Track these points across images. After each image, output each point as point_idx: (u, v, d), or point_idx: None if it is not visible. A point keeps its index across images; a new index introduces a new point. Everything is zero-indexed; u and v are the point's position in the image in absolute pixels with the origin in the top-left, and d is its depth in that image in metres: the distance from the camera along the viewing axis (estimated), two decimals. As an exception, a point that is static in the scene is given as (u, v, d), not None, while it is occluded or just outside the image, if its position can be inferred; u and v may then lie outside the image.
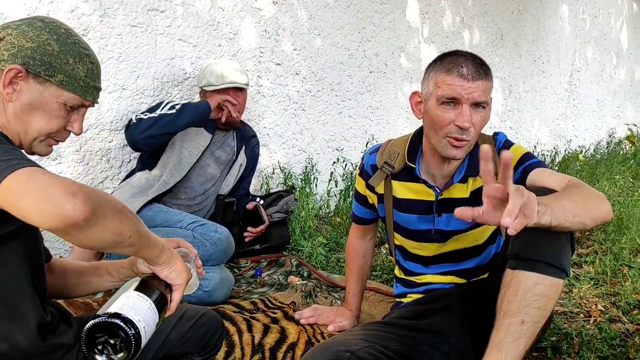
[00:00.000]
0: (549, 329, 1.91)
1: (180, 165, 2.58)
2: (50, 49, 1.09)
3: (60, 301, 1.91)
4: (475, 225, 1.65)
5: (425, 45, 4.59)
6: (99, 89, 1.20)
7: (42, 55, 1.08)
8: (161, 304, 1.03)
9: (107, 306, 0.95)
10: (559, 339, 1.95)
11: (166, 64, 2.89)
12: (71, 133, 1.19)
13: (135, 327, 0.91)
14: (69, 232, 0.86)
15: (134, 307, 0.94)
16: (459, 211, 1.16)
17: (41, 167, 0.89)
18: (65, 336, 1.18)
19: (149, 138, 2.44)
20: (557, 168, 5.56)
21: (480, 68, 1.49)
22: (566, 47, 6.57)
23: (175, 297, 1.10)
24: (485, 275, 1.66)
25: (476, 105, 1.49)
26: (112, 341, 0.92)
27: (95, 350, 0.92)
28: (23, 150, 1.12)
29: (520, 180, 1.50)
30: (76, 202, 0.83)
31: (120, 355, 0.92)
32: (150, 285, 1.05)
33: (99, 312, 0.93)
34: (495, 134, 1.67)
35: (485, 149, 1.10)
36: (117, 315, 0.91)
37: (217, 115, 2.63)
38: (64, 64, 1.10)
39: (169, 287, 1.09)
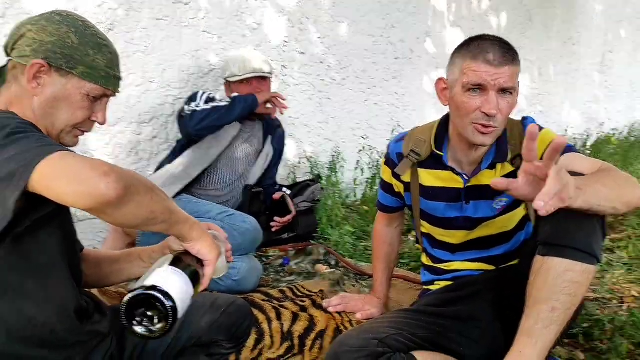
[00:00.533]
0: (580, 316, 1.88)
1: (209, 154, 2.61)
2: (70, 42, 1.11)
3: (94, 291, 1.97)
4: (504, 211, 1.63)
5: (451, 30, 4.52)
6: (119, 78, 1.22)
7: (62, 49, 1.11)
8: (194, 279, 1.05)
9: (143, 280, 0.98)
10: (590, 326, 1.92)
11: (191, 56, 2.91)
12: (96, 123, 1.22)
13: (172, 299, 0.93)
14: (103, 210, 0.89)
15: (170, 280, 0.97)
16: (494, 181, 1.18)
17: (72, 151, 0.92)
18: (100, 325, 1.21)
19: (202, 130, 2.50)
20: (589, 152, 5.44)
21: (507, 53, 1.46)
22: (598, 27, 6.39)
23: (207, 272, 1.12)
24: (515, 262, 1.64)
25: (503, 91, 1.46)
26: (149, 313, 0.94)
27: (134, 322, 0.95)
28: None
29: None
30: (109, 181, 0.86)
31: (159, 326, 0.94)
32: (183, 261, 1.07)
33: (136, 286, 0.95)
34: (524, 118, 1.64)
35: (533, 129, 1.12)
36: (154, 287, 0.93)
37: (262, 110, 2.65)
38: (84, 55, 1.13)
39: (200, 262, 1.12)
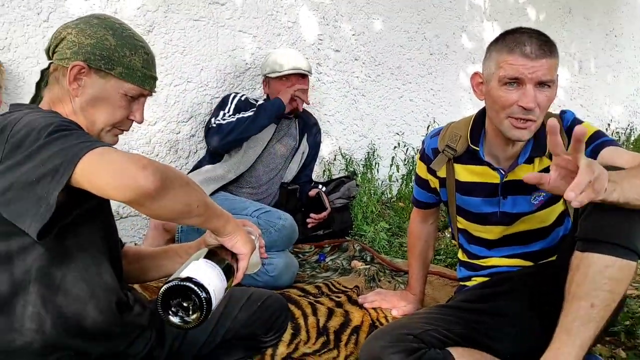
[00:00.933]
0: (622, 313, 1.83)
1: (246, 157, 2.65)
2: (108, 44, 1.15)
3: (136, 286, 2.03)
4: (542, 206, 1.61)
5: (487, 24, 4.45)
6: (155, 78, 1.26)
7: (101, 50, 1.15)
8: (228, 272, 1.08)
9: (179, 272, 1.01)
10: (633, 323, 1.87)
11: (228, 56, 2.96)
12: (134, 122, 1.26)
13: (207, 290, 0.96)
14: (142, 203, 0.92)
15: (204, 272, 1.00)
16: (528, 176, 1.18)
17: (112, 147, 0.95)
18: (140, 317, 1.25)
19: (228, 144, 2.54)
20: (632, 146, 5.27)
21: (545, 45, 1.43)
22: (642, 17, 6.19)
23: (242, 266, 1.15)
24: (553, 258, 1.61)
25: (541, 84, 1.44)
26: (185, 304, 0.98)
27: (170, 312, 0.98)
28: None
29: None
30: (147, 174, 0.89)
31: (194, 316, 0.98)
32: (218, 255, 1.10)
33: (171, 277, 0.99)
34: (563, 112, 1.61)
35: (553, 122, 1.10)
36: (189, 279, 0.96)
37: (290, 108, 2.68)
38: (121, 56, 1.17)
39: (235, 256, 1.15)
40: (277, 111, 2.60)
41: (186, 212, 1.00)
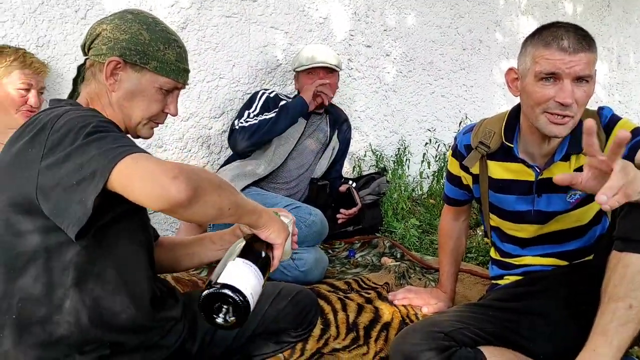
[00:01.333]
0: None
1: (277, 154, 2.66)
2: (142, 39, 1.17)
3: (169, 278, 2.07)
4: (579, 205, 1.58)
5: (522, 18, 4.37)
6: (188, 71, 1.27)
7: (135, 45, 1.17)
8: (264, 265, 1.11)
9: (216, 275, 1.04)
10: (673, 327, 1.82)
11: (259, 52, 2.98)
12: (169, 115, 1.28)
13: (244, 295, 1.00)
14: (175, 211, 0.94)
15: (241, 275, 1.03)
16: (559, 177, 1.17)
17: (146, 152, 0.97)
18: (173, 310, 1.28)
19: (251, 146, 2.55)
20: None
21: (583, 39, 1.40)
22: (685, 10, 5.98)
23: (276, 255, 1.17)
24: (589, 258, 1.58)
25: (578, 79, 1.40)
26: (225, 307, 1.02)
27: (213, 316, 1.03)
28: (129, 136, 1.21)
29: (628, 157, 1.40)
30: (179, 185, 0.90)
31: (233, 318, 1.02)
32: (253, 249, 1.12)
33: (211, 280, 1.02)
34: (600, 108, 1.57)
35: (589, 123, 1.09)
36: (226, 286, 1.00)
37: (315, 105, 2.69)
38: (155, 50, 1.18)
39: (270, 246, 1.16)
40: (300, 111, 2.60)
41: (218, 215, 1.01)
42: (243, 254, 1.09)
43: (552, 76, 1.41)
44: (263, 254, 1.12)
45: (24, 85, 1.96)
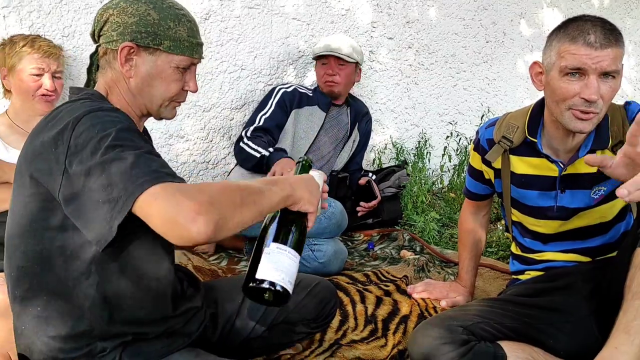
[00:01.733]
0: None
1: (296, 148, 2.67)
2: (151, 19, 1.14)
3: (190, 267, 2.09)
4: (603, 201, 1.56)
5: (548, 10, 4.29)
6: (201, 44, 1.24)
7: (145, 27, 1.14)
8: (300, 241, 1.14)
9: (252, 269, 1.08)
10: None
11: (281, 43, 2.98)
12: (190, 94, 1.27)
13: (281, 286, 1.06)
14: (198, 245, 0.95)
15: (277, 265, 1.07)
16: (590, 157, 1.20)
17: (167, 180, 0.94)
18: (194, 300, 1.30)
19: (243, 167, 2.55)
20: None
21: (610, 34, 1.37)
22: None
23: (311, 219, 1.17)
24: (613, 254, 1.56)
25: (605, 75, 1.38)
26: (266, 294, 1.09)
27: (258, 298, 1.10)
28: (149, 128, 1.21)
29: None
30: (199, 227, 0.89)
31: (275, 302, 1.11)
32: (287, 225, 1.13)
33: (249, 273, 1.08)
34: (627, 103, 1.55)
35: None
36: (264, 281, 1.06)
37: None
38: (166, 29, 1.15)
39: (304, 214, 1.16)
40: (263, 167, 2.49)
41: (245, 228, 1.01)
42: (277, 236, 1.11)
43: (578, 71, 1.39)
44: (296, 228, 1.14)
45: (36, 70, 1.96)
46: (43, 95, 1.97)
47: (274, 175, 2.27)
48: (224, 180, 1.05)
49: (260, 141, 2.52)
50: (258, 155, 2.46)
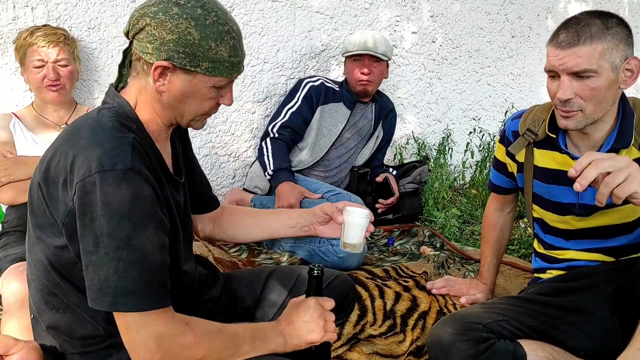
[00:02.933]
0: None
1: (319, 145, 2.67)
2: (191, 39, 1.06)
3: (210, 258, 2.11)
4: (625, 201, 1.52)
5: (575, 5, 4.21)
6: (242, 60, 1.18)
7: (184, 47, 1.06)
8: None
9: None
10: None
11: (304, 37, 2.98)
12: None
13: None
14: None
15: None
16: (570, 172, 1.22)
17: (150, 307, 1.01)
18: (213, 290, 1.32)
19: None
20: None
21: (584, 31, 1.34)
22: None
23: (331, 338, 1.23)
24: (638, 255, 1.53)
25: (576, 74, 1.37)
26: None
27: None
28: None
29: None
30: None
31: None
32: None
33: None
34: None
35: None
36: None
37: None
38: (206, 50, 1.08)
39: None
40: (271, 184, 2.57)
41: None
42: None
43: (553, 72, 1.41)
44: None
45: (37, 62, 1.98)
46: (48, 85, 2.00)
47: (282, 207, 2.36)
48: (211, 330, 1.06)
49: (281, 146, 2.57)
50: (266, 168, 2.53)
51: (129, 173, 1.01)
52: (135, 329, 1.01)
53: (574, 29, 1.36)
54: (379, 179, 2.88)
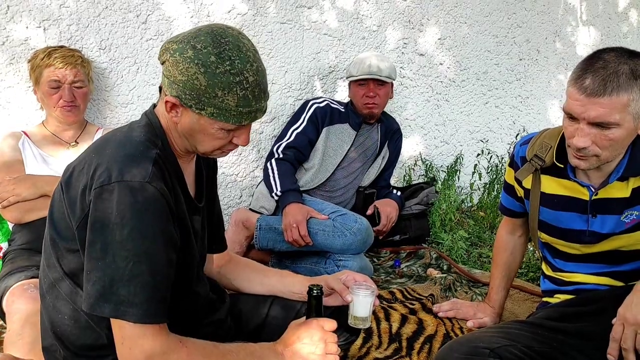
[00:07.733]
0: None
1: (324, 166, 2.67)
2: (197, 84, 1.08)
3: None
4: (635, 226, 1.50)
5: (583, 29, 4.23)
6: (258, 109, 1.15)
7: (191, 90, 1.09)
8: None
9: None
10: None
11: (312, 58, 3.00)
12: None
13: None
14: None
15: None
16: None
17: (154, 320, 1.03)
18: (219, 313, 1.32)
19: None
20: None
21: (612, 79, 1.28)
22: None
23: None
24: (648, 280, 1.50)
25: (597, 125, 1.33)
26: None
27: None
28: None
29: None
30: None
31: None
32: None
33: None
34: None
35: None
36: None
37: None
38: (212, 97, 1.09)
39: None
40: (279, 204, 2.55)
41: None
42: None
43: (571, 116, 1.37)
44: None
45: (53, 83, 2.01)
46: (64, 106, 2.02)
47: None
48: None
49: (287, 167, 2.56)
50: (272, 189, 2.52)
51: (146, 186, 1.04)
52: (130, 344, 1.01)
53: (601, 75, 1.29)
54: (369, 212, 2.80)
